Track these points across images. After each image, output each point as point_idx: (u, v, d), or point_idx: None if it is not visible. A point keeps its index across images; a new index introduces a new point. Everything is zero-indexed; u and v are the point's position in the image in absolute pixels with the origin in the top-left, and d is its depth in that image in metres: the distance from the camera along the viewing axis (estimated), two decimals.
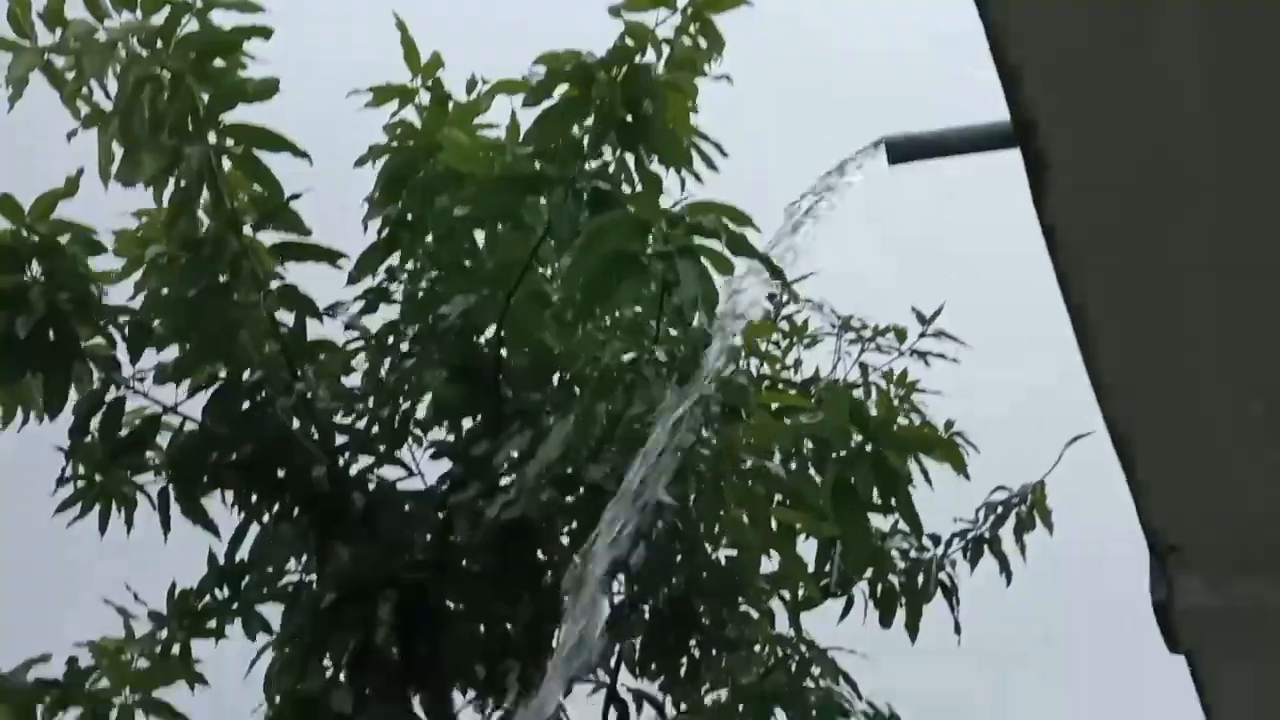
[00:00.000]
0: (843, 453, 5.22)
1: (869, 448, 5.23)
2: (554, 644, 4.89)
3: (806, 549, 5.37)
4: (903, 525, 5.60)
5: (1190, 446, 2.25)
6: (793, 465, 5.23)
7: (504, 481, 4.85)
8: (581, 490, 4.77)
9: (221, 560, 5.29)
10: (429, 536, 5.05)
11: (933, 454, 5.31)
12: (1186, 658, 2.66)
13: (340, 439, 5.25)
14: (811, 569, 5.39)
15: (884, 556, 5.68)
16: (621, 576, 4.82)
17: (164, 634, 5.41)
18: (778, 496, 5.00)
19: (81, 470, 5.48)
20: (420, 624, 4.81)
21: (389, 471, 5.31)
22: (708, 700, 5.11)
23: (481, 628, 5.01)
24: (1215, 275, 1.87)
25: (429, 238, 5.27)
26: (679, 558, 4.82)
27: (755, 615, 5.23)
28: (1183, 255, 1.81)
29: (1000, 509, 5.97)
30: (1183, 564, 2.42)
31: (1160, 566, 2.44)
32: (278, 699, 4.90)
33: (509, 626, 5.02)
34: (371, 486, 5.24)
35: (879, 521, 5.65)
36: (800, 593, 5.40)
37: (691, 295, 4.50)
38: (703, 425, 4.43)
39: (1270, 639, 2.66)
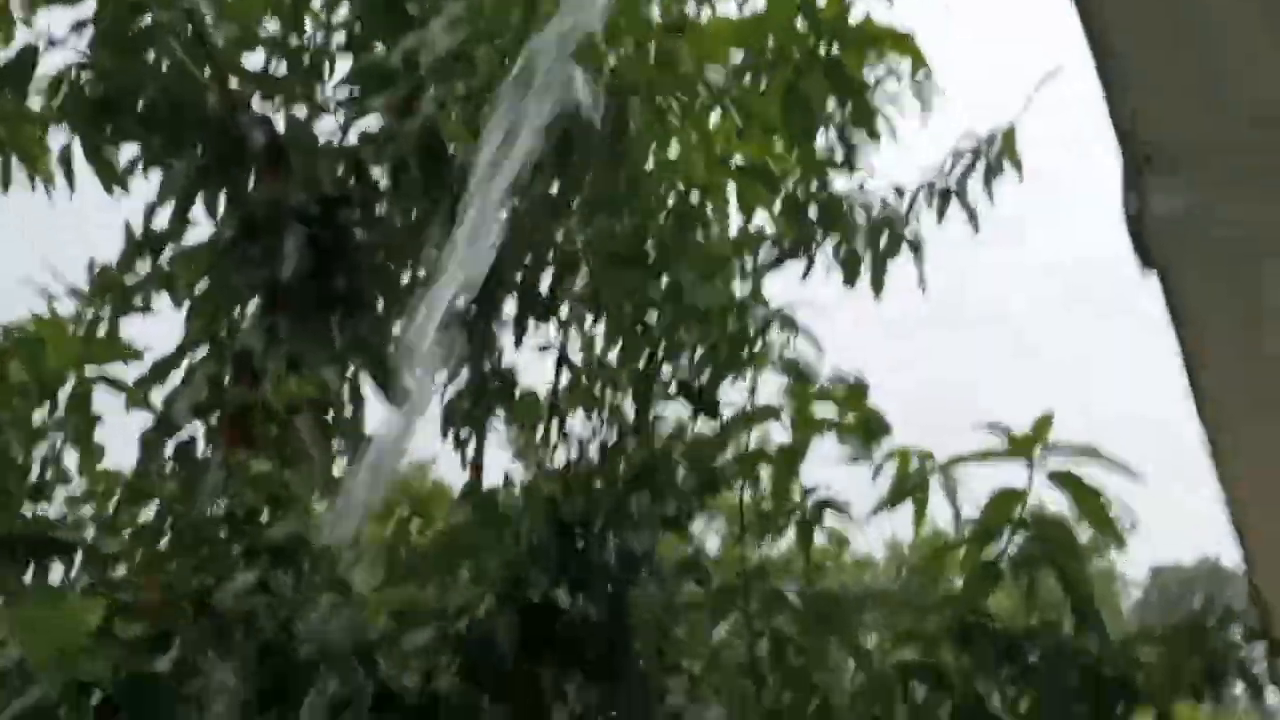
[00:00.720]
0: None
1: (820, 52, 4.80)
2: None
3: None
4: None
5: (1173, 29, 1.90)
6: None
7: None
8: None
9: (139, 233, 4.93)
10: (341, 176, 4.65)
11: (887, 48, 4.89)
12: (1159, 277, 2.41)
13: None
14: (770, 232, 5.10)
15: (846, 216, 5.36)
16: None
17: (90, 313, 5.12)
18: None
19: None
20: (334, 261, 4.48)
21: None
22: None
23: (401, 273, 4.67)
24: None
25: None
26: (615, 187, 4.42)
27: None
28: None
29: (969, 156, 5.59)
30: (1158, 172, 2.15)
31: (1134, 175, 2.18)
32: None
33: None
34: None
35: (842, 184, 5.38)
36: (760, 256, 5.10)
37: None
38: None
39: (1246, 252, 2.41)
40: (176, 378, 4.57)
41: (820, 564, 4.80)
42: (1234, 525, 3.08)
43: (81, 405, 4.92)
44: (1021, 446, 3.88)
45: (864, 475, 4.12)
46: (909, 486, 3.99)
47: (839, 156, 5.39)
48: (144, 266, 5.05)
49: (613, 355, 4.74)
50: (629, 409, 4.62)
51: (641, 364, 4.71)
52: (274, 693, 3.55)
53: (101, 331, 5.13)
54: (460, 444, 4.98)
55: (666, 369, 4.61)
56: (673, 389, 4.65)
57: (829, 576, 5.19)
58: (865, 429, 4.06)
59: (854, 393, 4.16)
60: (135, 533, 3.97)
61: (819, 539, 4.42)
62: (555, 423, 4.66)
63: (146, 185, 4.98)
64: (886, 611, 4.40)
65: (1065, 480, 3.95)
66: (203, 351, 4.55)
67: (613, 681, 4.09)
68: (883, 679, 4.26)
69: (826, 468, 4.28)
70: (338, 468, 4.42)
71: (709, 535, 5.08)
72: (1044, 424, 3.85)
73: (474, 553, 4.12)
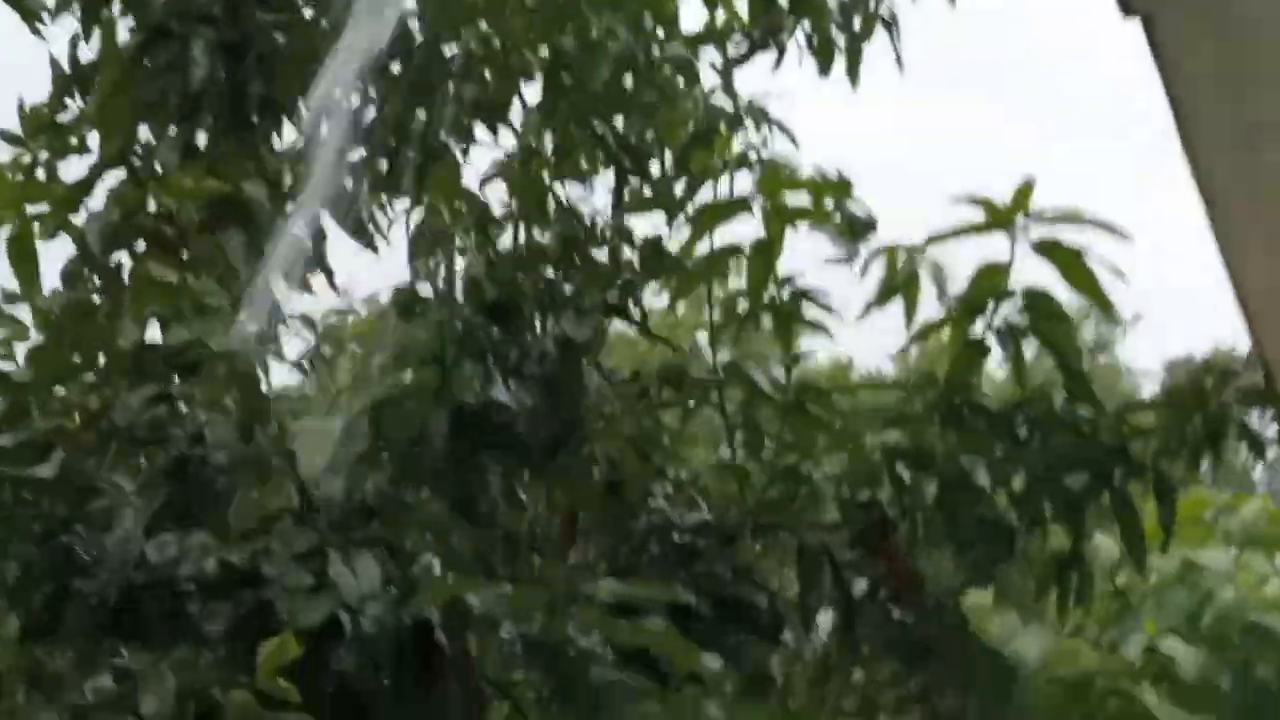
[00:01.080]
0: None
1: None
2: None
3: None
4: None
5: None
6: None
7: None
8: None
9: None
10: None
11: None
12: (1143, 24, 2.17)
13: None
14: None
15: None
16: None
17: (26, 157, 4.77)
18: None
19: None
20: (251, 67, 4.15)
21: None
22: None
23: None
24: None
25: None
26: None
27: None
28: None
29: None
30: None
31: None
32: None
33: None
34: None
35: None
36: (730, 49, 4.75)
37: None
38: None
39: None
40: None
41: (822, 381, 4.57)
42: (1231, 277, 2.85)
43: (24, 245, 4.65)
44: (1001, 216, 3.63)
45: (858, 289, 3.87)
46: (898, 282, 3.75)
47: None
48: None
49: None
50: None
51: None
52: (186, 506, 3.37)
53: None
54: (429, 275, 4.73)
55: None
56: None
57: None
58: (850, 228, 3.79)
59: (836, 187, 3.86)
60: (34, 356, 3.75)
61: (820, 356, 4.20)
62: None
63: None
64: (872, 396, 4.22)
65: (1049, 248, 3.72)
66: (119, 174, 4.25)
67: (556, 471, 3.91)
68: (868, 463, 4.11)
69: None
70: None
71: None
72: (1025, 191, 3.58)
73: (397, 344, 3.89)
